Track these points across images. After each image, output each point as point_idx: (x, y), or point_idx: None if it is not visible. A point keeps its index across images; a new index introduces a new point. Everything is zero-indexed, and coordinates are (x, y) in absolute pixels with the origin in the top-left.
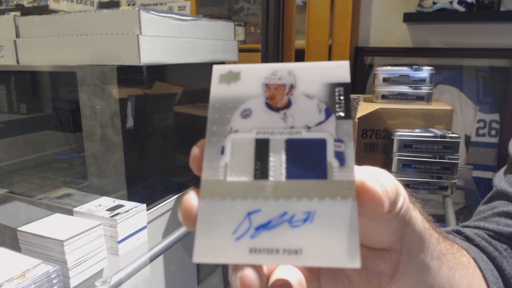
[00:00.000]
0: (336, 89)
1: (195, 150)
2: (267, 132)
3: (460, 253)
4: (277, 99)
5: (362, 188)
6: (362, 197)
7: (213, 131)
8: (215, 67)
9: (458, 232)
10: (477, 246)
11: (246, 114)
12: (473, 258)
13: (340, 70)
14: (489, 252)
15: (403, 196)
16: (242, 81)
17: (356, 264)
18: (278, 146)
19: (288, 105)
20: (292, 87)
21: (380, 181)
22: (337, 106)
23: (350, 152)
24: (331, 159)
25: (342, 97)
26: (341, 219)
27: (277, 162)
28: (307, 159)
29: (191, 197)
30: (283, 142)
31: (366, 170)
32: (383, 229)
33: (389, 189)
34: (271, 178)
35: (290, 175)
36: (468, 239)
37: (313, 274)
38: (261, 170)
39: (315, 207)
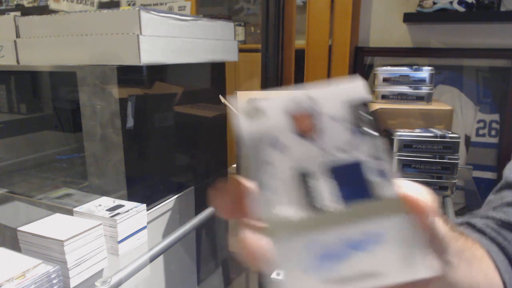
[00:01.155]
0: (358, 107)
1: (230, 189)
2: (306, 162)
3: (475, 246)
4: (305, 127)
5: (411, 202)
6: (411, 210)
7: (254, 170)
8: (240, 106)
9: (469, 224)
10: (489, 238)
11: (280, 147)
12: (486, 251)
13: (356, 87)
14: (499, 242)
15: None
16: (267, 114)
17: (436, 271)
18: (321, 173)
19: (317, 130)
20: (316, 112)
21: (422, 194)
22: (363, 123)
23: (389, 167)
24: (374, 177)
25: (366, 114)
26: (405, 234)
27: (325, 190)
28: (352, 181)
29: (254, 238)
30: (324, 169)
31: (407, 185)
32: None
33: (430, 200)
34: (325, 207)
35: (341, 200)
36: (479, 231)
37: None
38: (312, 201)
39: (377, 228)
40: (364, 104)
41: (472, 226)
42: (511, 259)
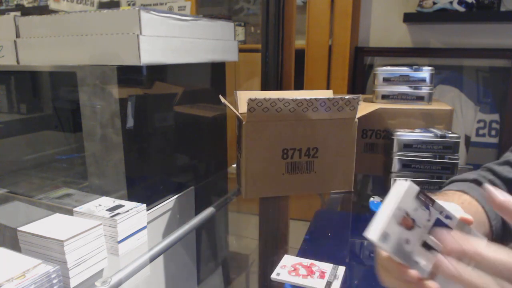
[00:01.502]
0: (419, 194)
1: None
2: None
3: (459, 195)
4: (408, 223)
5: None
6: None
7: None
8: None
9: (476, 181)
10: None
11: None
12: (476, 199)
13: (408, 186)
14: (479, 180)
15: None
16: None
17: None
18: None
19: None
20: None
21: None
22: (429, 201)
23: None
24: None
25: (424, 196)
26: None
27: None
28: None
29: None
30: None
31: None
32: None
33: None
34: None
35: None
36: (477, 182)
37: None
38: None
39: None
40: (420, 191)
41: (477, 182)
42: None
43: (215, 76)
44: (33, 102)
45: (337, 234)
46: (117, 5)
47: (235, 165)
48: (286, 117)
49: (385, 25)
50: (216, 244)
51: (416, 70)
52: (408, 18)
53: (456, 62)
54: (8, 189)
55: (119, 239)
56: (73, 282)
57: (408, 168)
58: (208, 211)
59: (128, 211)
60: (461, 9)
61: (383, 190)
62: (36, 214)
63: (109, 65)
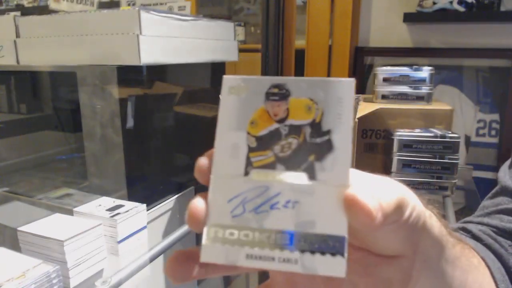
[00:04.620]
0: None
1: None
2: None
3: (472, 254)
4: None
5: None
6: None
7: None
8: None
9: (464, 230)
10: (485, 244)
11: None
12: (482, 258)
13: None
14: (496, 249)
15: (411, 206)
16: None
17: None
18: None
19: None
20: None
21: (371, 194)
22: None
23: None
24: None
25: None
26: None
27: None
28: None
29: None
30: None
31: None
32: (392, 237)
33: (383, 201)
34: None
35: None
36: (475, 237)
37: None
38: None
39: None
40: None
41: (468, 232)
42: (507, 267)
43: (215, 76)
44: (33, 102)
45: None
46: (117, 5)
47: None
48: None
49: (385, 25)
50: None
51: (416, 70)
52: (408, 18)
53: (456, 62)
54: (8, 189)
55: (119, 239)
56: (73, 282)
57: (408, 168)
58: None
59: (128, 211)
60: (461, 9)
61: None
62: (36, 214)
63: (109, 65)
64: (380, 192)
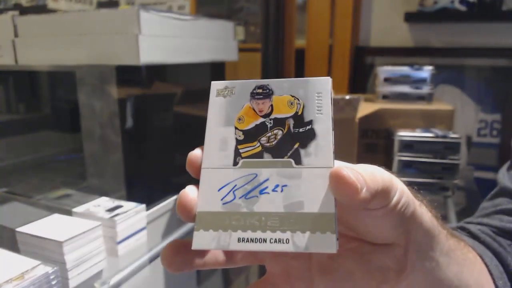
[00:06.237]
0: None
1: None
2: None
3: (467, 249)
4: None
5: (337, 178)
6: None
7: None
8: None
9: (463, 229)
10: (483, 242)
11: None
12: (479, 255)
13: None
14: (494, 248)
15: (400, 191)
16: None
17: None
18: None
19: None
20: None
21: (353, 169)
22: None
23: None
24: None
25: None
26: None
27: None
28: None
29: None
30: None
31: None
32: (383, 224)
33: (367, 177)
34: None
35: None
36: (473, 235)
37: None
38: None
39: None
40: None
41: (466, 231)
42: (505, 265)
43: (214, 76)
44: (32, 102)
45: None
46: (116, 4)
47: None
48: None
49: (386, 25)
50: None
51: (417, 69)
52: (409, 17)
53: (457, 62)
54: (6, 190)
55: (118, 239)
56: (72, 283)
57: (408, 168)
58: None
59: (127, 211)
60: (463, 8)
61: None
62: (35, 214)
63: (108, 65)
64: (366, 172)
